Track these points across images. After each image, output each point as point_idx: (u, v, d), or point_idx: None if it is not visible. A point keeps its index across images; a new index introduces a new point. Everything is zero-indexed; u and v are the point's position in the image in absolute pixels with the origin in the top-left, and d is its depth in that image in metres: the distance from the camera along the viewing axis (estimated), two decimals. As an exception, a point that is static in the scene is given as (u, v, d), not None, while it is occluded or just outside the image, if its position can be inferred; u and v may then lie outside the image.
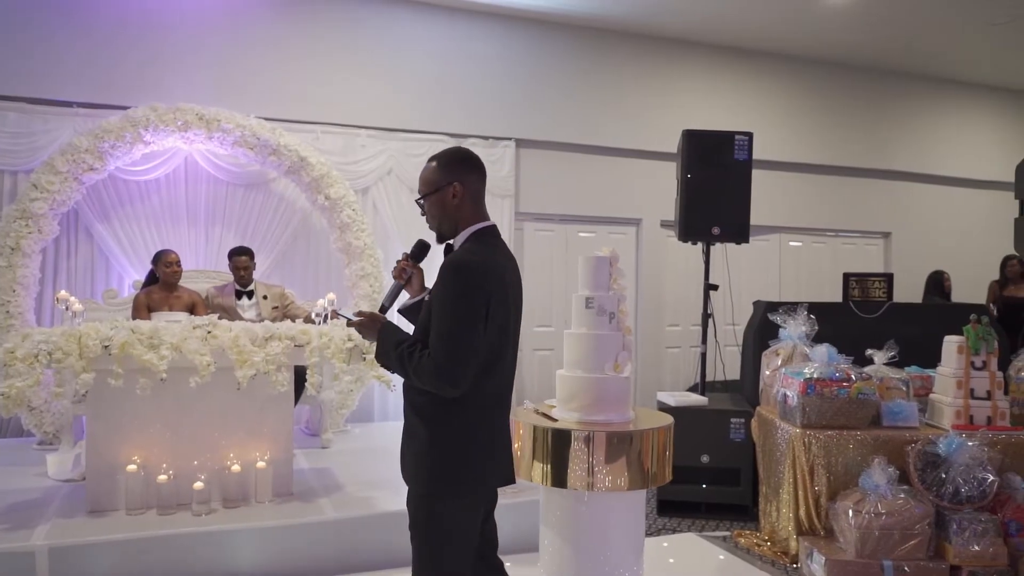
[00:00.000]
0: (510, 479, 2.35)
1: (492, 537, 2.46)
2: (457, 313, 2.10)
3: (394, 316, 2.47)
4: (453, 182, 2.24)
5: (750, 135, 5.17)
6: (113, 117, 5.43)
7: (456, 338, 2.10)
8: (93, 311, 5.30)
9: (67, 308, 4.05)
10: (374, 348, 2.34)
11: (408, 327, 2.41)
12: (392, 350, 2.21)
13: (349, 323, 2.35)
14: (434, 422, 2.20)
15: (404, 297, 2.48)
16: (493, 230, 2.31)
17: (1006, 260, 7.51)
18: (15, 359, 3.45)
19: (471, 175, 2.29)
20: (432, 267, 2.16)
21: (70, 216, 5.70)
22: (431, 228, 2.33)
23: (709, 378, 5.52)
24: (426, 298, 2.31)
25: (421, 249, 2.43)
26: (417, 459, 2.22)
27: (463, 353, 2.10)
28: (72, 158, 5.25)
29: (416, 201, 2.36)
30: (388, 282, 6.21)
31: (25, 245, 5.15)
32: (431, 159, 2.31)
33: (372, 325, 2.30)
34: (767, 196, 7.59)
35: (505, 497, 4.03)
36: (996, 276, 7.68)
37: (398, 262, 2.42)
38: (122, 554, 3.41)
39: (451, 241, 2.32)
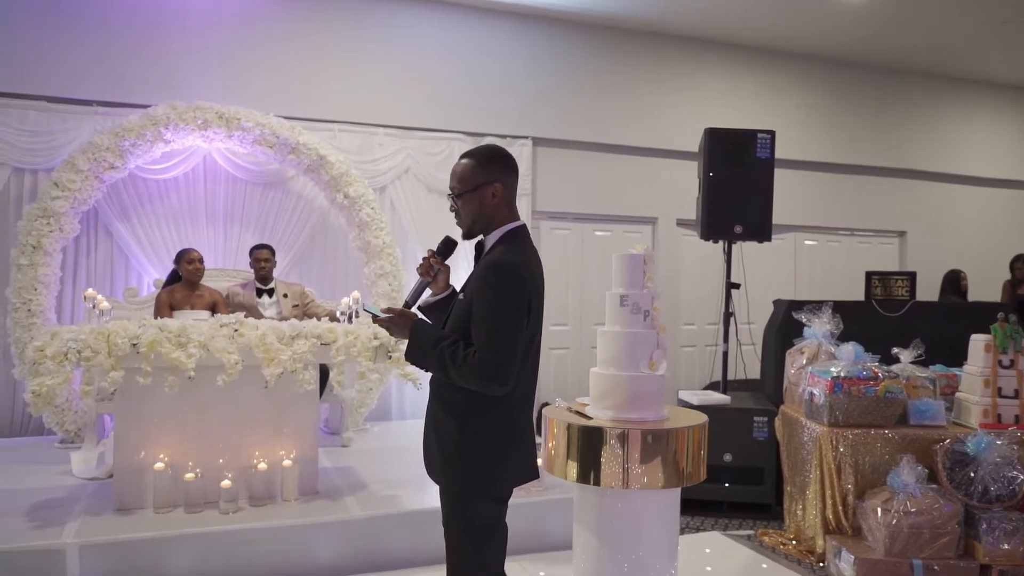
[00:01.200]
0: (535, 474, 2.38)
1: None
2: (504, 313, 2.11)
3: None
4: (494, 182, 2.23)
5: (772, 133, 5.16)
6: (133, 116, 5.44)
7: (504, 337, 2.10)
8: (114, 309, 5.28)
9: (94, 306, 4.05)
10: (404, 346, 2.32)
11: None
12: (431, 348, 2.19)
13: (376, 320, 2.31)
14: (466, 419, 2.20)
15: (427, 293, 2.48)
16: (525, 230, 2.30)
17: (1016, 260, 7.48)
18: (45, 357, 3.46)
19: (510, 175, 2.28)
20: (455, 264, 2.15)
21: (90, 215, 5.71)
22: (462, 225, 2.30)
23: (728, 377, 5.51)
24: (460, 296, 2.30)
25: (448, 246, 2.41)
26: (449, 456, 2.22)
27: (509, 351, 2.11)
28: (93, 156, 5.26)
29: (450, 196, 2.31)
30: (407, 281, 6.23)
31: (46, 243, 5.16)
32: (466, 155, 2.28)
33: (403, 323, 2.26)
34: (783, 195, 7.51)
35: (531, 495, 4.05)
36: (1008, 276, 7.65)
37: (425, 258, 2.40)
38: (152, 552, 3.41)
39: (482, 238, 2.30)
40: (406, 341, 2.27)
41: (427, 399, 2.37)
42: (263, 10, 6.22)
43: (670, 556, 2.93)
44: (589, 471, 2.86)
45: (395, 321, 2.27)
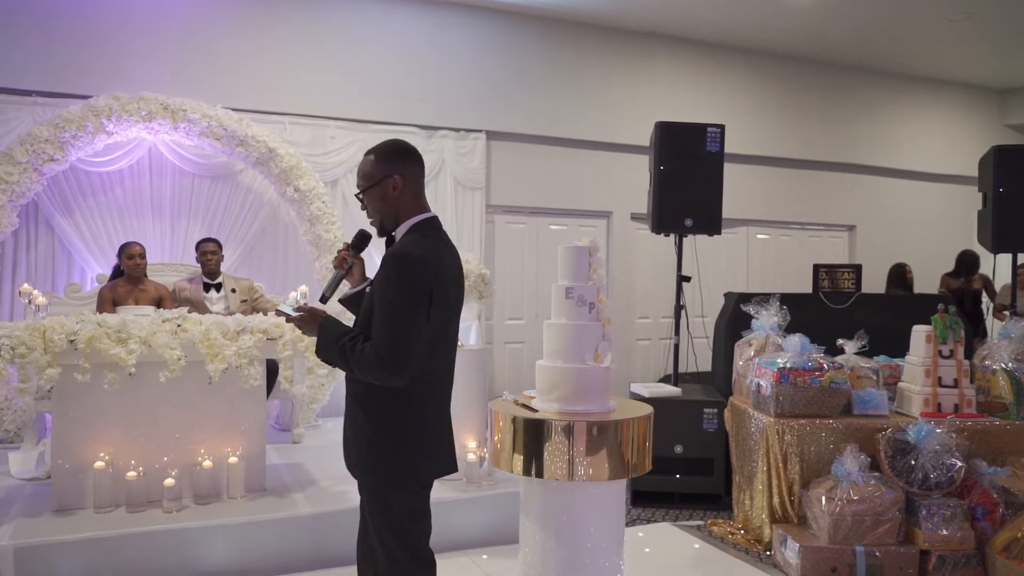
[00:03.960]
0: (453, 468, 2.37)
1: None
2: (399, 303, 2.11)
3: (333, 306, 2.49)
4: (393, 174, 2.25)
5: (722, 127, 5.21)
6: (74, 106, 5.30)
7: (399, 328, 2.10)
8: (55, 305, 5.15)
9: (30, 302, 3.94)
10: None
11: (349, 317, 2.41)
12: (334, 344, 2.20)
13: (288, 319, 2.33)
14: (378, 413, 2.22)
15: (345, 287, 2.50)
16: (435, 221, 2.32)
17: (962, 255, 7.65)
18: (-24, 354, 3.35)
19: (411, 167, 2.30)
20: (371, 258, 2.15)
21: (30, 208, 5.55)
22: (372, 222, 2.34)
23: (680, 369, 5.56)
24: (367, 289, 2.32)
25: (362, 239, 2.45)
26: (363, 451, 2.24)
27: (406, 343, 2.10)
28: (32, 148, 5.10)
29: (356, 196, 2.36)
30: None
31: (-17, 238, 5.00)
32: (368, 152, 2.31)
33: (312, 320, 2.28)
34: (735, 189, 7.63)
35: (481, 489, 4.04)
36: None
37: (339, 252, 2.45)
38: (91, 553, 3.33)
39: (393, 233, 2.32)
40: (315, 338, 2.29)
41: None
42: (213, 1, 6.09)
43: (616, 547, 2.95)
44: (535, 464, 2.87)
45: (304, 319, 2.29)
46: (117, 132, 5.41)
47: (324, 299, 2.40)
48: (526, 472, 2.89)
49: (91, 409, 3.76)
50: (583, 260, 3.02)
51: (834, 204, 8.74)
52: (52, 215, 5.63)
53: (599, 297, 3.00)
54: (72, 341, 3.51)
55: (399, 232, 2.29)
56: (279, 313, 2.37)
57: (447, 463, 2.34)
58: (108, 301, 4.97)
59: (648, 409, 3.08)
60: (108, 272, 5.44)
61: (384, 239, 2.34)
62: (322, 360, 2.28)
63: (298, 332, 3.86)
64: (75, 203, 5.69)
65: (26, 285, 4.18)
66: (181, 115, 5.45)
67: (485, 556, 3.86)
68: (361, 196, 2.31)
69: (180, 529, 3.50)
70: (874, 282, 7.82)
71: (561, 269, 3.06)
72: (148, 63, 5.85)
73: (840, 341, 4.33)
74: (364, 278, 2.45)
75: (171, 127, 5.49)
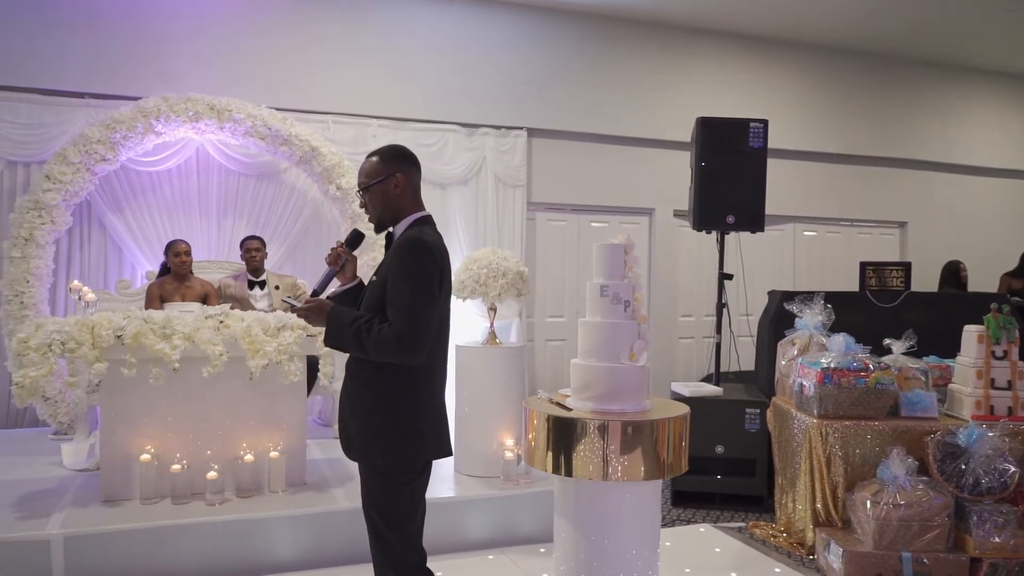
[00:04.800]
0: (448, 451, 2.48)
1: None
2: (417, 285, 2.24)
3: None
4: (395, 173, 2.39)
5: (765, 122, 5.11)
6: (124, 108, 5.43)
7: (417, 306, 2.22)
8: (106, 301, 5.31)
9: (80, 298, 4.05)
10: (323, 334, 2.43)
11: None
12: (347, 327, 2.28)
13: (295, 310, 2.39)
14: (384, 395, 2.30)
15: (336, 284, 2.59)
16: (430, 219, 2.47)
17: None
18: (29, 349, 3.46)
19: (411, 168, 2.44)
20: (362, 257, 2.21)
21: (83, 207, 5.71)
22: (370, 218, 2.46)
23: (723, 368, 5.48)
24: (373, 278, 2.41)
25: (356, 237, 2.57)
26: (369, 434, 2.31)
27: (424, 320, 2.23)
28: (84, 149, 5.25)
29: (357, 192, 2.51)
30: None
31: (39, 236, 5.16)
32: (371, 154, 2.45)
33: (319, 310, 2.36)
34: (781, 185, 7.53)
35: (519, 487, 4.03)
36: (1013, 267, 7.57)
37: (333, 249, 2.53)
38: (137, 543, 3.41)
39: (391, 230, 2.44)
40: (323, 328, 2.38)
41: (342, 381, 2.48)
42: (258, 2, 6.19)
43: (651, 548, 2.91)
44: (569, 463, 2.85)
45: (312, 310, 2.37)
46: (165, 132, 5.54)
47: (315, 294, 2.49)
48: (560, 471, 2.87)
49: (137, 403, 3.85)
50: (618, 258, 2.99)
51: (884, 200, 8.52)
52: (104, 213, 5.79)
53: (635, 295, 2.97)
54: (119, 336, 3.60)
55: (399, 228, 2.41)
56: (286, 304, 2.44)
57: (445, 446, 2.45)
58: (155, 297, 5.09)
59: (685, 409, 3.03)
60: (156, 269, 5.58)
61: (384, 238, 2.47)
62: (331, 347, 2.38)
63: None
64: (126, 202, 5.84)
65: (76, 282, 4.30)
66: (227, 115, 5.56)
67: (521, 554, 3.85)
68: (362, 193, 2.43)
69: (222, 522, 3.56)
70: (926, 280, 7.61)
71: (596, 267, 3.03)
72: (194, 64, 5.98)
73: (887, 341, 4.21)
74: (355, 276, 2.56)
75: (217, 127, 5.60)
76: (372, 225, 2.48)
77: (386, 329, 2.21)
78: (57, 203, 5.21)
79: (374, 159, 2.42)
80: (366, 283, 2.48)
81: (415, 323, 2.20)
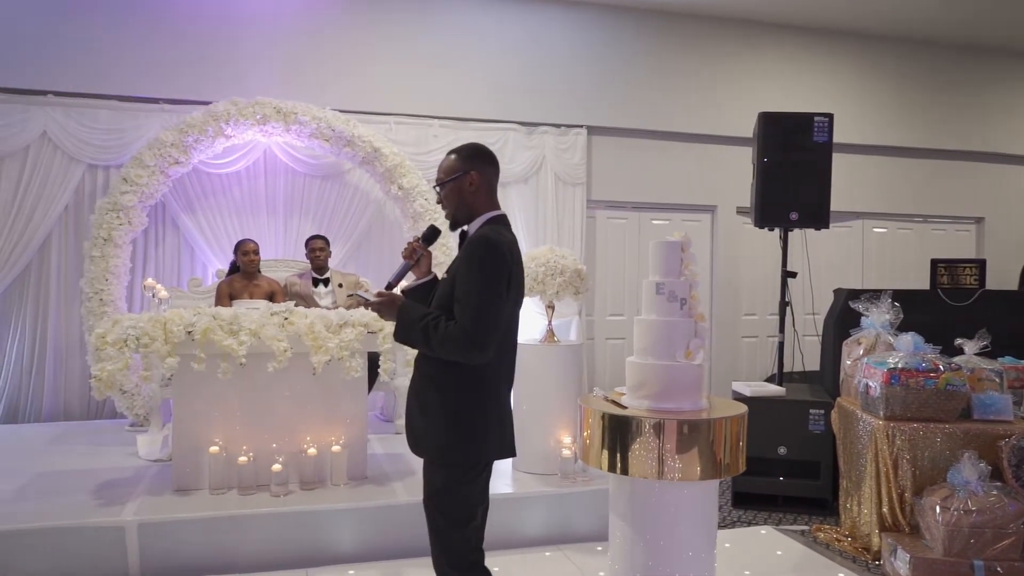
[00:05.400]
0: (512, 452, 2.47)
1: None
2: (485, 283, 2.23)
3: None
4: (471, 171, 2.40)
5: (830, 116, 4.98)
6: (196, 112, 5.63)
7: (484, 305, 2.21)
8: (179, 299, 5.52)
9: (153, 295, 4.22)
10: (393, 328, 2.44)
11: None
12: (416, 323, 2.29)
13: (366, 304, 2.41)
14: (450, 393, 2.31)
15: (410, 278, 2.59)
16: (505, 219, 2.47)
17: None
18: (106, 344, 3.63)
19: (488, 167, 2.45)
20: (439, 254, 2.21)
21: (158, 208, 5.95)
22: (446, 214, 2.48)
23: (787, 368, 5.37)
24: (444, 275, 2.41)
25: (432, 233, 2.58)
26: (433, 430, 2.32)
27: (490, 319, 2.22)
28: (159, 152, 5.47)
29: (434, 187, 2.54)
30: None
31: (116, 236, 5.40)
32: (450, 152, 2.47)
33: (391, 304, 2.38)
34: (848, 180, 7.33)
35: (575, 485, 4.04)
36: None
37: (409, 243, 2.53)
38: (205, 531, 3.54)
39: (465, 228, 2.45)
40: (393, 323, 2.39)
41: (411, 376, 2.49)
42: (321, 6, 6.35)
43: (707, 549, 2.88)
44: (624, 461, 2.84)
45: (384, 304, 2.39)
46: (235, 135, 5.72)
47: (389, 287, 2.50)
48: (614, 470, 2.86)
49: (207, 397, 4.00)
50: (674, 255, 2.96)
51: (959, 195, 8.19)
52: (177, 214, 6.03)
53: (691, 293, 2.94)
54: (189, 332, 3.74)
55: (472, 227, 2.41)
56: (356, 298, 2.46)
57: (508, 447, 2.43)
58: (225, 295, 5.27)
59: (743, 408, 2.99)
60: (226, 268, 5.77)
61: (459, 239, 2.47)
62: (400, 342, 2.38)
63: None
64: (197, 203, 6.06)
65: (150, 280, 4.49)
66: (292, 117, 5.71)
67: (577, 552, 3.85)
68: (439, 189, 2.46)
69: (286, 513, 3.67)
70: (1004, 279, 7.32)
71: (652, 264, 3.01)
72: (261, 68, 6.16)
73: (959, 341, 4.06)
74: (429, 271, 2.54)
75: (283, 129, 5.76)
76: (448, 221, 2.49)
77: (453, 327, 2.21)
78: (134, 204, 5.44)
79: (452, 156, 2.44)
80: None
81: (481, 322, 2.20)
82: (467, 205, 2.41)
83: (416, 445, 2.40)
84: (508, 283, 2.27)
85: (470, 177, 2.39)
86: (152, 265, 6.05)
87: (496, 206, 2.46)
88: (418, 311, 2.32)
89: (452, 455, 2.32)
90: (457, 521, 2.35)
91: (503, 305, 2.26)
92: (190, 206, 6.05)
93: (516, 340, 2.46)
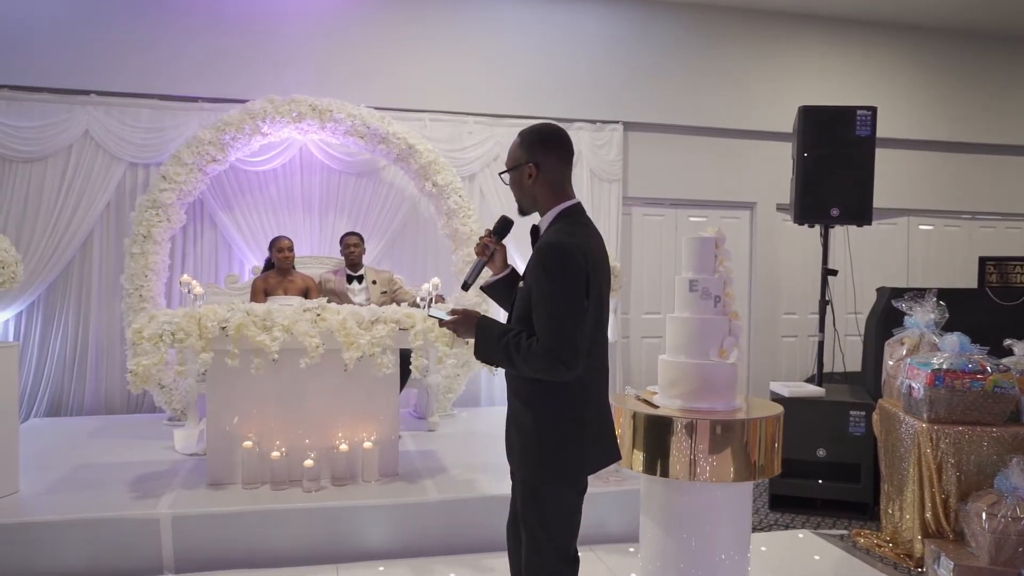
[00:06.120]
0: (615, 456, 2.32)
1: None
2: (561, 294, 2.06)
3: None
4: (529, 162, 2.22)
5: (874, 110, 4.84)
6: (233, 110, 5.69)
7: (564, 319, 2.05)
8: (216, 295, 5.58)
9: (189, 291, 4.26)
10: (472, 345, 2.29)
11: (492, 305, 2.38)
12: (496, 342, 2.16)
13: (442, 323, 2.30)
14: (540, 409, 2.16)
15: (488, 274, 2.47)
16: (579, 208, 2.26)
17: None
18: (142, 338, 3.67)
19: (550, 155, 2.24)
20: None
21: (196, 205, 6.03)
22: (517, 201, 2.33)
23: (827, 368, 5.25)
24: (521, 284, 2.27)
25: (504, 225, 2.41)
26: (526, 448, 2.19)
27: (573, 334, 2.05)
28: (197, 150, 5.53)
29: (499, 174, 2.39)
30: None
31: (156, 233, 5.48)
32: (520, 132, 2.29)
33: (467, 322, 2.25)
34: (892, 176, 7.14)
35: (608, 485, 3.98)
36: None
37: (481, 238, 2.41)
38: (238, 525, 3.57)
39: (537, 224, 2.29)
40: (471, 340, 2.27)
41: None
42: (356, 3, 6.37)
43: (741, 553, 2.82)
44: (655, 462, 2.79)
45: (460, 322, 2.26)
46: (271, 133, 5.77)
47: (466, 286, 2.39)
48: (646, 470, 2.82)
49: (240, 392, 4.03)
50: (708, 251, 2.90)
51: (1010, 191, 7.92)
52: (215, 211, 6.10)
53: (725, 290, 2.87)
54: (223, 328, 3.77)
55: (544, 221, 2.25)
56: (432, 317, 2.34)
57: (610, 453, 2.29)
58: (260, 291, 5.32)
59: (778, 409, 2.92)
60: (262, 264, 5.82)
61: (530, 235, 2.30)
62: (482, 361, 2.25)
63: (428, 323, 3.96)
64: (235, 200, 6.13)
65: (186, 275, 4.53)
66: (328, 115, 5.74)
67: (609, 552, 3.80)
68: (504, 175, 2.33)
69: (318, 508, 3.68)
70: (1058, 277, 7.04)
71: (685, 261, 2.96)
72: (297, 67, 6.20)
73: (1008, 342, 3.92)
74: (506, 265, 2.42)
75: (319, 127, 5.79)
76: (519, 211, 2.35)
77: (535, 345, 2.06)
78: (172, 202, 5.52)
79: (516, 141, 2.27)
80: (519, 272, 2.35)
81: (563, 338, 2.04)
82: (530, 197, 2.26)
83: (511, 459, 2.27)
84: (587, 289, 2.10)
85: (528, 169, 2.22)
86: (190, 261, 6.14)
87: (565, 197, 2.24)
88: (497, 328, 2.20)
89: (545, 473, 2.17)
90: (548, 535, 2.19)
91: (584, 315, 2.09)
92: (227, 203, 6.12)
93: (605, 340, 2.29)
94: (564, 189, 2.26)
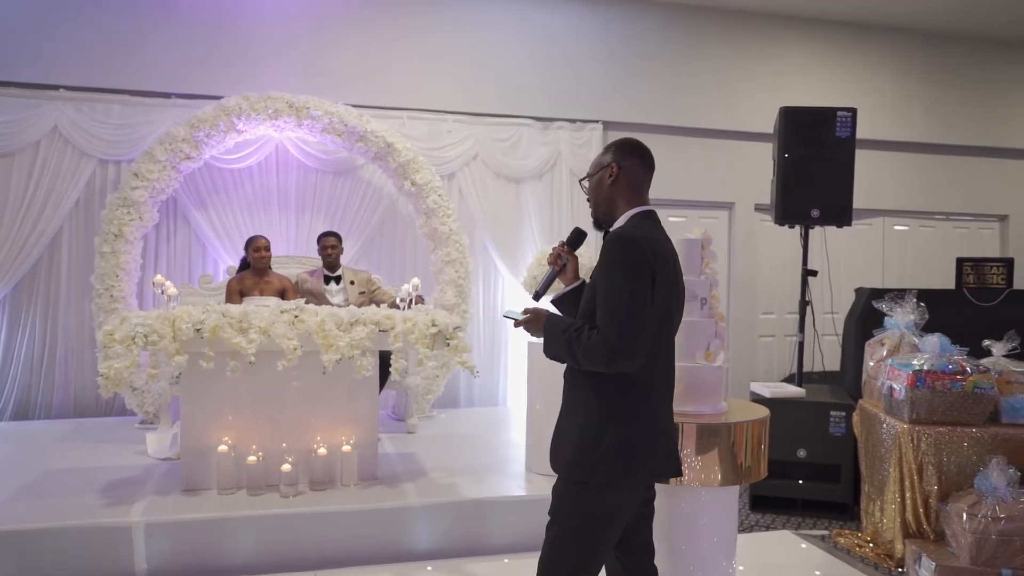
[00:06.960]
0: (675, 471, 2.23)
1: (648, 539, 2.34)
2: (623, 284, 2.05)
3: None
4: (612, 163, 2.28)
5: (853, 111, 4.87)
6: (208, 107, 5.57)
7: (625, 309, 2.03)
8: (190, 296, 5.46)
9: (163, 292, 4.16)
10: (540, 341, 2.26)
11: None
12: (560, 336, 2.14)
13: (516, 323, 2.29)
14: (599, 406, 2.12)
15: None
16: (653, 214, 2.28)
17: None
18: (113, 341, 3.56)
19: (630, 159, 2.30)
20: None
21: (169, 204, 5.90)
22: (591, 213, 2.36)
23: (807, 368, 5.26)
24: (587, 280, 2.28)
25: (577, 237, 2.44)
26: (579, 445, 2.12)
27: (633, 323, 2.03)
28: (170, 147, 5.41)
29: (579, 182, 2.44)
30: (473, 268, 6.20)
31: (127, 232, 5.35)
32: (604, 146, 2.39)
33: (536, 320, 2.24)
34: (869, 177, 7.18)
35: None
36: None
37: (554, 248, 2.42)
38: (213, 532, 3.48)
39: (611, 230, 2.27)
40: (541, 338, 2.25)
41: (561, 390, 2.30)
42: (332, 1, 6.27)
43: (727, 556, 2.80)
44: (641, 465, 2.75)
45: (530, 320, 2.26)
46: (247, 130, 5.66)
47: (537, 296, 2.40)
48: (632, 473, 2.78)
49: (216, 395, 3.94)
50: (695, 253, 2.88)
51: (983, 192, 8.02)
52: (188, 210, 5.97)
53: (712, 292, 2.85)
54: (198, 330, 3.68)
55: (616, 224, 2.27)
56: (507, 317, 2.33)
57: (664, 464, 2.20)
58: (235, 292, 5.21)
59: (764, 412, 2.90)
60: (237, 264, 5.71)
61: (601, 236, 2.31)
62: (550, 358, 2.22)
63: (408, 324, 3.90)
64: (209, 198, 6.01)
65: (159, 276, 4.42)
66: (305, 112, 5.64)
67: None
68: (585, 184, 2.36)
69: (296, 514, 3.60)
70: (1029, 278, 7.14)
71: (671, 262, 2.92)
72: (273, 64, 6.10)
73: (987, 342, 3.95)
74: (577, 276, 2.41)
75: (296, 124, 5.70)
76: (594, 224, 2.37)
77: (594, 336, 2.05)
78: (145, 200, 5.39)
79: (601, 152, 2.34)
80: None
81: (624, 327, 2.01)
82: (607, 199, 2.28)
83: (557, 462, 2.20)
84: (652, 281, 2.07)
85: (610, 169, 2.26)
86: (163, 261, 6.00)
87: (641, 201, 2.28)
88: (562, 323, 2.19)
89: (594, 473, 2.10)
90: (578, 538, 2.13)
91: (647, 307, 2.05)
92: (201, 202, 6.00)
93: (671, 344, 2.25)
94: (642, 194, 2.30)
